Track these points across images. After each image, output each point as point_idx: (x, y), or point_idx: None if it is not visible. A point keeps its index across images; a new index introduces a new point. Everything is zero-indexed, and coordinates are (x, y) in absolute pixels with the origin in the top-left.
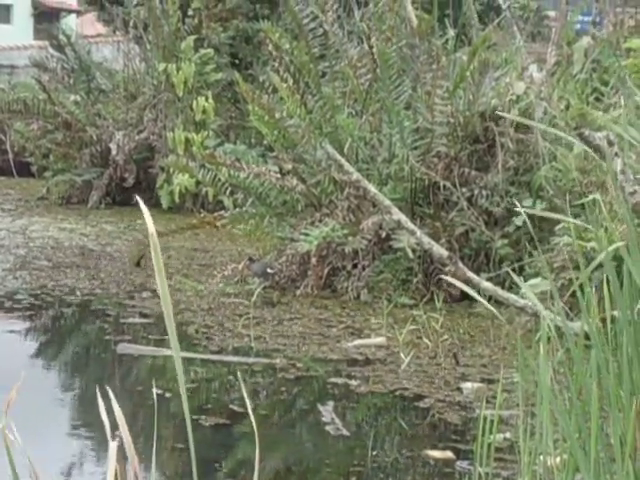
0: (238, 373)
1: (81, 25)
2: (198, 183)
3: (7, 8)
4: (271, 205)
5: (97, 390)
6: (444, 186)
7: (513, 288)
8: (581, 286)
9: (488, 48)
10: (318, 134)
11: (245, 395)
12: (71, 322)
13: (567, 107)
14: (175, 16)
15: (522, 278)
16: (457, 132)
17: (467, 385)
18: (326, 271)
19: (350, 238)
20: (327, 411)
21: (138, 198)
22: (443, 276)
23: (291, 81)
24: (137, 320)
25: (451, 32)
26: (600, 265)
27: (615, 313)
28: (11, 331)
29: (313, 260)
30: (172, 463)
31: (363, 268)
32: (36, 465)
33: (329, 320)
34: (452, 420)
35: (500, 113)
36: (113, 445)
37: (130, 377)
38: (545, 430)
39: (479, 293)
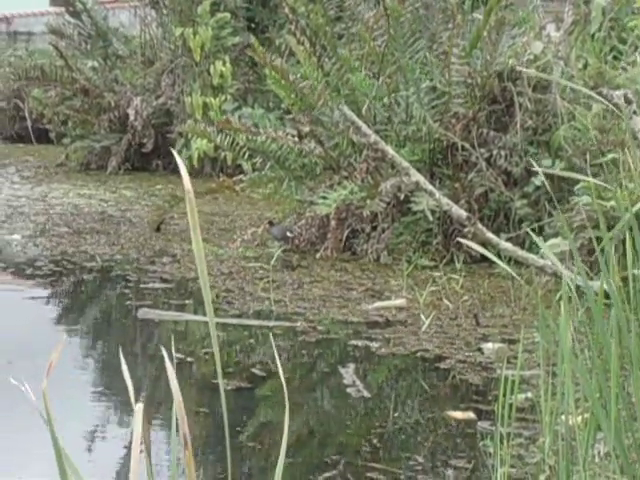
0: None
1: None
2: (217, 147)
3: None
4: (290, 168)
5: (121, 355)
6: (462, 147)
7: (533, 248)
8: (601, 245)
9: (505, 7)
10: (335, 96)
11: (277, 354)
12: (92, 288)
13: (585, 66)
14: None
15: (542, 238)
16: (475, 92)
17: (488, 345)
18: (345, 234)
19: (369, 201)
20: (348, 373)
21: (176, 154)
22: (460, 239)
23: (307, 44)
24: (158, 285)
25: None
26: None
27: (635, 272)
28: (32, 297)
29: (332, 223)
30: (195, 427)
31: (382, 230)
32: (58, 429)
33: (349, 283)
34: (473, 381)
35: (520, 68)
36: (139, 407)
37: (152, 342)
38: (566, 390)
39: (499, 254)
